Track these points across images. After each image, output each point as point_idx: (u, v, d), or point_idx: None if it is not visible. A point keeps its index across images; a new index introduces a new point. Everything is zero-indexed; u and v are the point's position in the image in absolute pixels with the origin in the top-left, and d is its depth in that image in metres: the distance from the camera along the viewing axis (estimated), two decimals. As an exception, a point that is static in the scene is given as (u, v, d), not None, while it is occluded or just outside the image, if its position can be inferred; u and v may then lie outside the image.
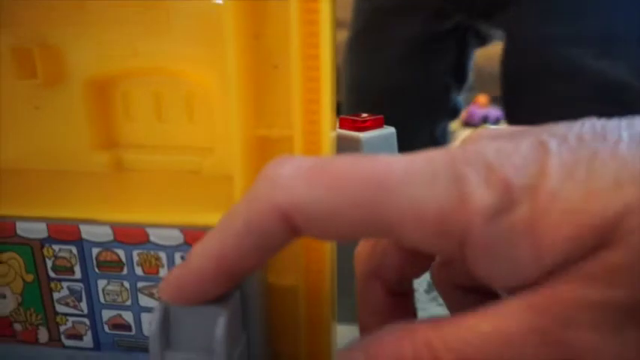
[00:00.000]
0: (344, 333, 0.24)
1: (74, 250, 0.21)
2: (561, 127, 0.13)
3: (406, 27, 0.75)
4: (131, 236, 0.20)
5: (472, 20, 0.74)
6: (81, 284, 0.21)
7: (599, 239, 0.11)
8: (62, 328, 0.22)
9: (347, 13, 0.79)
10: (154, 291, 0.21)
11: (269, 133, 0.20)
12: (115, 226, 0.20)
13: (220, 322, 0.17)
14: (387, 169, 0.13)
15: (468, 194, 0.12)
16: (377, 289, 0.18)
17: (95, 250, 0.21)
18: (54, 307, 0.22)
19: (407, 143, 0.26)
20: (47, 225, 0.21)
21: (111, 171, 0.25)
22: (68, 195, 0.23)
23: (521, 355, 0.12)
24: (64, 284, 0.21)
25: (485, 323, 0.12)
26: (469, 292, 0.19)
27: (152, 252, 0.20)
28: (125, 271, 0.21)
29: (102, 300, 0.21)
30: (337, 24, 0.19)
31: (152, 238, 0.20)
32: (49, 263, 0.21)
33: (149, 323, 0.20)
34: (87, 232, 0.20)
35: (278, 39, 0.18)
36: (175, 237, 0.20)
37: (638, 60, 0.62)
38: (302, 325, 0.21)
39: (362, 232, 0.14)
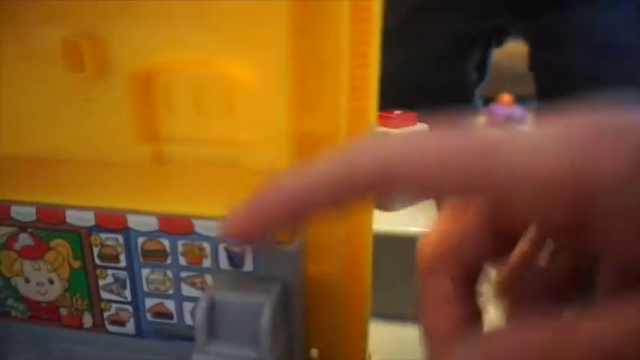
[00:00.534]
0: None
1: (120, 239, 0.21)
2: None
3: (447, 24, 0.74)
4: (176, 226, 0.21)
5: (513, 21, 0.73)
6: (125, 272, 0.22)
7: None
8: (106, 314, 0.22)
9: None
10: (197, 280, 0.21)
11: (314, 129, 0.20)
12: (160, 217, 0.21)
13: (266, 312, 0.17)
14: (496, 135, 0.13)
15: (600, 155, 0.12)
16: (442, 278, 0.17)
17: (141, 240, 0.21)
18: (99, 293, 0.22)
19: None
20: (95, 214, 0.21)
21: (152, 163, 0.26)
22: (114, 185, 0.24)
23: None
24: (109, 272, 0.22)
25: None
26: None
27: (196, 242, 0.21)
28: (169, 260, 0.21)
29: (145, 288, 0.22)
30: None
31: (197, 229, 0.20)
32: (96, 251, 0.22)
33: (194, 312, 0.20)
34: (133, 221, 0.21)
35: (327, 35, 0.19)
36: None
37: None
38: (340, 315, 0.22)
39: (463, 187, 0.14)
